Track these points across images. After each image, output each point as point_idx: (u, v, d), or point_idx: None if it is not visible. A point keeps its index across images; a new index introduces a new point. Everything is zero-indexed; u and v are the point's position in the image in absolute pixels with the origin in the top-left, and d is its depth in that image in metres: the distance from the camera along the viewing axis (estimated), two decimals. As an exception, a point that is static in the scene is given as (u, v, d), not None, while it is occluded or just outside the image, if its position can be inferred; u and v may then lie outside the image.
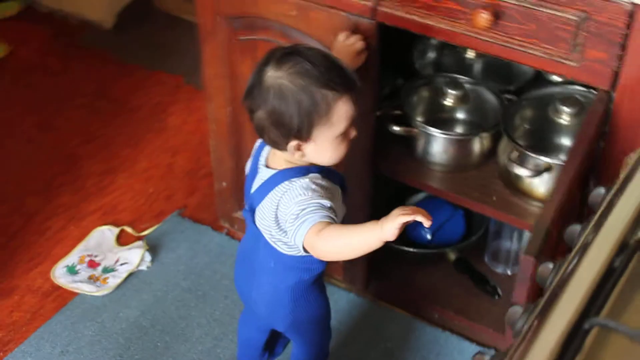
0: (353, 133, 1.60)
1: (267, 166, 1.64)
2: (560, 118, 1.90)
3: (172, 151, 2.79)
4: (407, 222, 1.40)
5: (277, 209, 1.57)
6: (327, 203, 1.53)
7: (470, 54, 2.28)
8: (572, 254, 1.02)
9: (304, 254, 1.55)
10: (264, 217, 1.62)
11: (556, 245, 1.45)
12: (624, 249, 0.97)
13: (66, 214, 2.55)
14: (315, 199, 1.52)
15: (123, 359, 2.12)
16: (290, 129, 1.53)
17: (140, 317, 2.21)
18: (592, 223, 1.04)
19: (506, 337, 1.43)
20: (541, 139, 1.94)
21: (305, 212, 1.51)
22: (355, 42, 1.78)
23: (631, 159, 1.20)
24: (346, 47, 1.78)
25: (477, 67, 2.28)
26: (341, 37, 1.79)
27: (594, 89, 1.92)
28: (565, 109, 1.88)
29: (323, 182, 1.58)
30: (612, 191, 1.09)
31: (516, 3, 1.60)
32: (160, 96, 3.03)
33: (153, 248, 2.41)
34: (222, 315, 2.22)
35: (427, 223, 1.40)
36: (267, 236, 1.65)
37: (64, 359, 2.11)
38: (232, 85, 2.10)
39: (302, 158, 1.59)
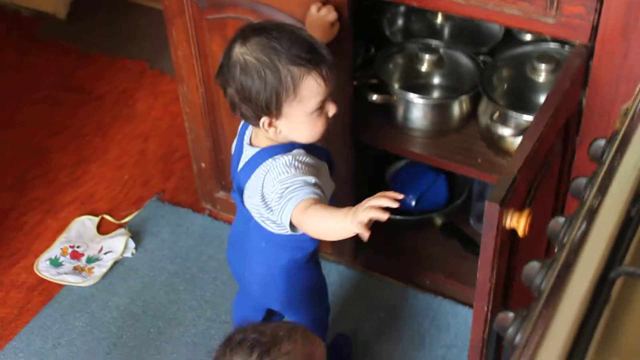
0: (332, 109, 1.58)
1: (251, 144, 1.64)
2: (538, 76, 1.90)
3: (142, 137, 2.76)
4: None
5: (262, 187, 1.57)
6: (312, 179, 1.52)
7: (439, 19, 2.28)
8: (585, 207, 1.03)
9: (292, 232, 1.55)
10: (250, 196, 1.61)
11: (527, 196, 1.45)
12: (639, 198, 0.98)
13: (42, 207, 2.51)
14: (299, 176, 1.52)
15: (117, 347, 2.10)
16: (258, 105, 1.52)
17: (130, 305, 2.20)
18: (601, 175, 1.05)
19: (477, 291, 1.43)
20: (520, 98, 1.95)
21: (289, 190, 1.50)
22: (328, 14, 1.77)
23: (627, 109, 1.21)
24: (319, 19, 1.76)
25: (447, 31, 2.28)
26: (313, 9, 1.78)
27: (569, 44, 1.94)
28: (542, 66, 1.88)
29: (307, 159, 1.57)
30: (616, 142, 1.10)
31: (490, -37, 1.60)
32: (126, 82, 3.00)
33: (136, 235, 2.39)
34: (213, 297, 2.21)
35: (385, 213, 1.34)
36: (255, 216, 1.64)
37: (57, 352, 2.10)
38: (204, 65, 2.08)
39: (278, 135, 1.58)
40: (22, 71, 3.09)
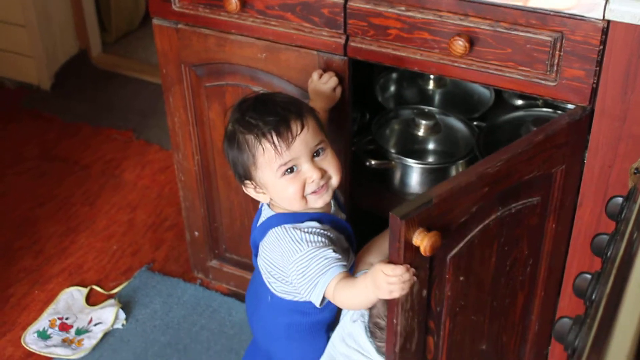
0: (310, 174, 1.54)
1: (270, 205, 1.64)
2: (534, 139, 1.92)
3: (130, 207, 2.73)
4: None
5: (272, 257, 1.58)
6: (330, 252, 1.50)
7: (431, 85, 2.30)
8: (617, 261, 1.01)
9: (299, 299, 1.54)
10: (260, 255, 1.63)
11: (453, 223, 1.43)
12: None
13: (29, 279, 2.46)
14: (316, 252, 1.50)
15: (109, 422, 2.05)
16: (236, 171, 1.58)
17: (121, 377, 2.15)
18: (629, 230, 1.05)
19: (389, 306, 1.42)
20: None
21: (313, 271, 1.48)
22: (329, 80, 1.78)
23: (637, 168, 1.22)
24: (321, 85, 1.78)
25: (438, 98, 2.30)
26: (315, 76, 1.79)
27: (561, 109, 1.96)
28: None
29: (319, 231, 1.55)
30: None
31: (490, 28, 1.62)
32: (112, 152, 2.98)
33: (126, 305, 2.34)
34: (207, 368, 2.17)
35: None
36: (263, 275, 1.65)
37: None
38: (200, 133, 2.07)
39: (271, 201, 1.60)
40: (6, 142, 3.07)
